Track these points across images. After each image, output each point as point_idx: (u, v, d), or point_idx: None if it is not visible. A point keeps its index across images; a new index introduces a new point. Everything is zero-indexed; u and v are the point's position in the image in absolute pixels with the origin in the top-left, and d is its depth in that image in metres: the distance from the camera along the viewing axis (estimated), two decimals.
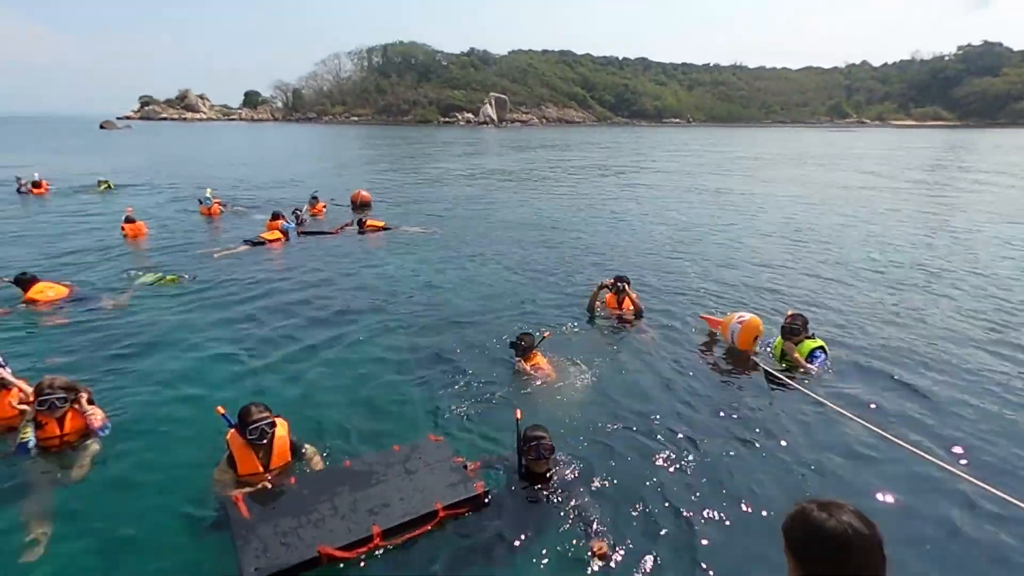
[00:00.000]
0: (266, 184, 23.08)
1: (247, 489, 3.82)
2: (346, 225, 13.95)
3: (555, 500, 3.92)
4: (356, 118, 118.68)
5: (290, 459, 4.23)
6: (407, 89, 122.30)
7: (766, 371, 5.97)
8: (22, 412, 4.57)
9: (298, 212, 14.40)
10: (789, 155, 42.85)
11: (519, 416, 4.06)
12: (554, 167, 31.99)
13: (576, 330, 7.36)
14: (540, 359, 6.01)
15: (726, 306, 8.25)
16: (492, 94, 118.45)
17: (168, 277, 9.21)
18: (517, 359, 5.97)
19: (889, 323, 7.71)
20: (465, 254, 11.43)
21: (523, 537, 3.63)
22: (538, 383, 5.77)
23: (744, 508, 4.04)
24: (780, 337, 6.20)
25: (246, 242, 11.94)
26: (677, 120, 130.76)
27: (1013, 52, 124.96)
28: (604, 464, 4.44)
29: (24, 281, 8.00)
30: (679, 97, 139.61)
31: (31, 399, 4.50)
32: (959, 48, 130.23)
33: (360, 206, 16.60)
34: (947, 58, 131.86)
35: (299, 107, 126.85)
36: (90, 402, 4.65)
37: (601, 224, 14.90)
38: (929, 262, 11.09)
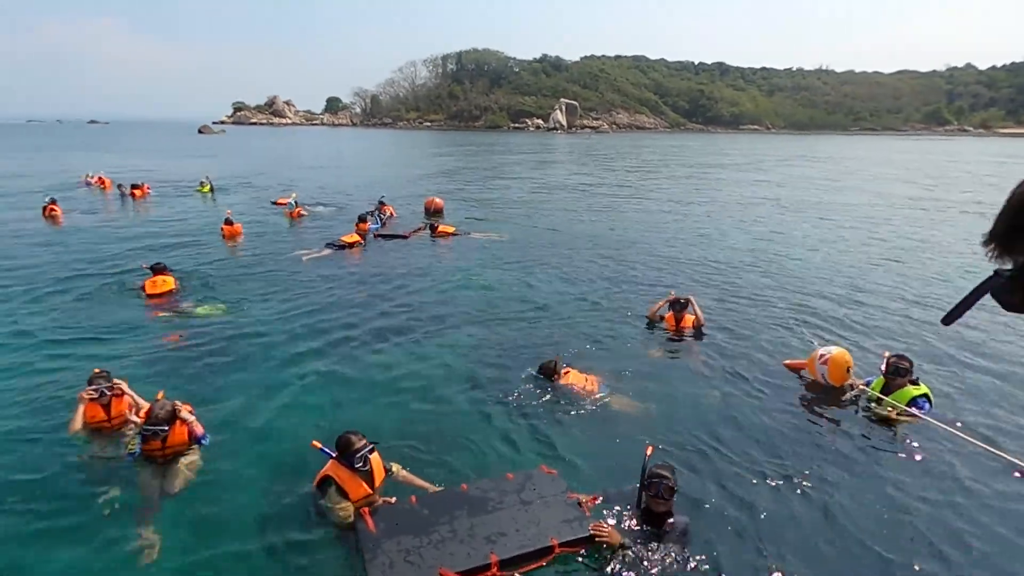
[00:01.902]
0: (345, 187, 24.27)
1: (374, 505, 4.05)
2: (419, 229, 14.50)
3: (671, 544, 3.78)
4: (429, 123, 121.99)
5: (385, 475, 4.39)
6: (479, 95, 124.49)
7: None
8: (134, 423, 5.08)
9: (382, 215, 15.60)
10: (894, 167, 40.21)
11: (649, 452, 4.07)
12: (624, 174, 31.65)
13: (634, 347, 7.39)
14: (573, 376, 6.06)
15: (803, 332, 7.97)
16: (563, 100, 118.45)
17: (217, 307, 8.76)
18: (549, 383, 6.06)
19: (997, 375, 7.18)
20: (533, 262, 11.59)
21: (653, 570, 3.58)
22: (592, 399, 5.83)
23: (870, 544, 3.94)
24: (882, 377, 5.75)
25: (328, 245, 12.66)
26: (755, 127, 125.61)
27: None
28: (716, 505, 4.34)
29: (159, 269, 9.37)
30: (758, 103, 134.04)
31: (141, 414, 4.95)
32: None
33: (433, 213, 17.17)
34: None
35: (376, 112, 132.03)
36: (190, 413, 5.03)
37: (673, 237, 14.65)
38: None
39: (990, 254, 0.97)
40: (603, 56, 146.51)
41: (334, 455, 4.20)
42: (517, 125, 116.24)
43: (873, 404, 5.73)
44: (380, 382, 6.32)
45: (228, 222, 13.72)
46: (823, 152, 55.91)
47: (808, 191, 25.02)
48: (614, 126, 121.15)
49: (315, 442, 4.32)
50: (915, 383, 5.62)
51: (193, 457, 4.80)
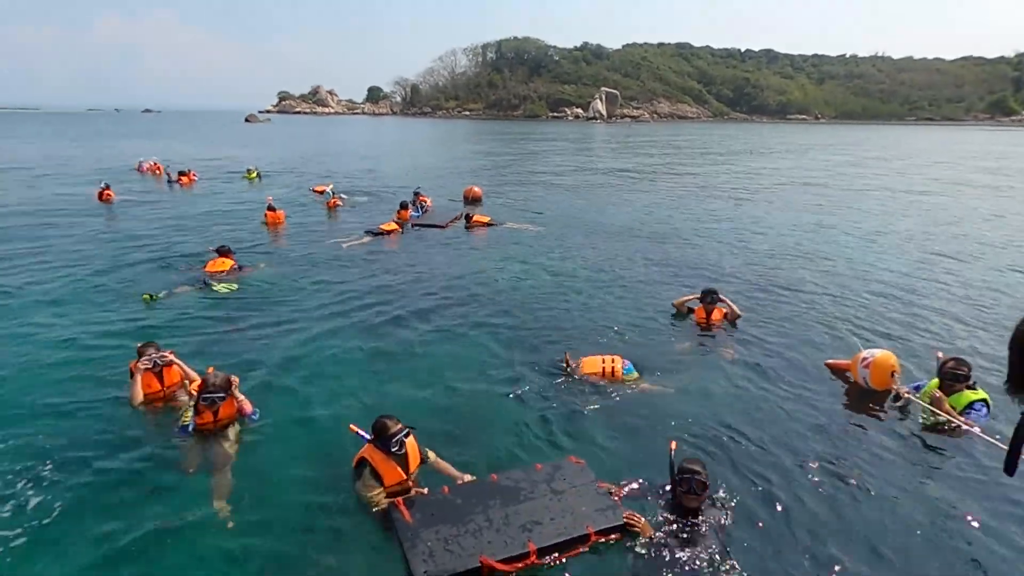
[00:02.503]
0: (384, 176, 24.60)
1: (408, 496, 4.06)
2: (455, 219, 14.58)
3: (702, 539, 3.75)
4: (468, 112, 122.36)
5: (420, 462, 4.41)
6: (518, 84, 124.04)
7: (929, 409, 5.30)
8: (188, 393, 5.24)
9: (422, 203, 15.73)
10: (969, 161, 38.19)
11: (674, 447, 4.05)
12: (663, 164, 31.04)
13: (662, 339, 7.31)
14: (589, 365, 6.01)
15: (847, 331, 7.67)
16: (603, 89, 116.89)
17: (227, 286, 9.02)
18: (567, 374, 6.05)
19: None
20: (565, 253, 11.51)
21: (671, 572, 3.55)
22: (625, 392, 5.80)
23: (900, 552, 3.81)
24: (936, 381, 5.44)
25: (367, 232, 12.87)
26: (803, 116, 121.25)
27: None
28: (742, 501, 4.25)
29: (224, 252, 9.95)
30: (806, 91, 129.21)
31: (192, 386, 5.15)
32: None
33: (472, 201, 17.28)
34: None
35: (416, 102, 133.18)
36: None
37: (711, 227, 14.29)
38: None
39: (1014, 400, 0.94)
40: (645, 44, 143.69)
41: (370, 438, 4.25)
42: (556, 114, 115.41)
43: (923, 411, 5.38)
44: (410, 368, 6.39)
45: (271, 208, 14.07)
46: (876, 143, 53.44)
47: (858, 182, 23.97)
48: (655, 115, 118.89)
49: (352, 425, 4.38)
50: (972, 388, 5.31)
51: (238, 432, 4.96)
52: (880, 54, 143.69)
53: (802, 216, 16.15)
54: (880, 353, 5.79)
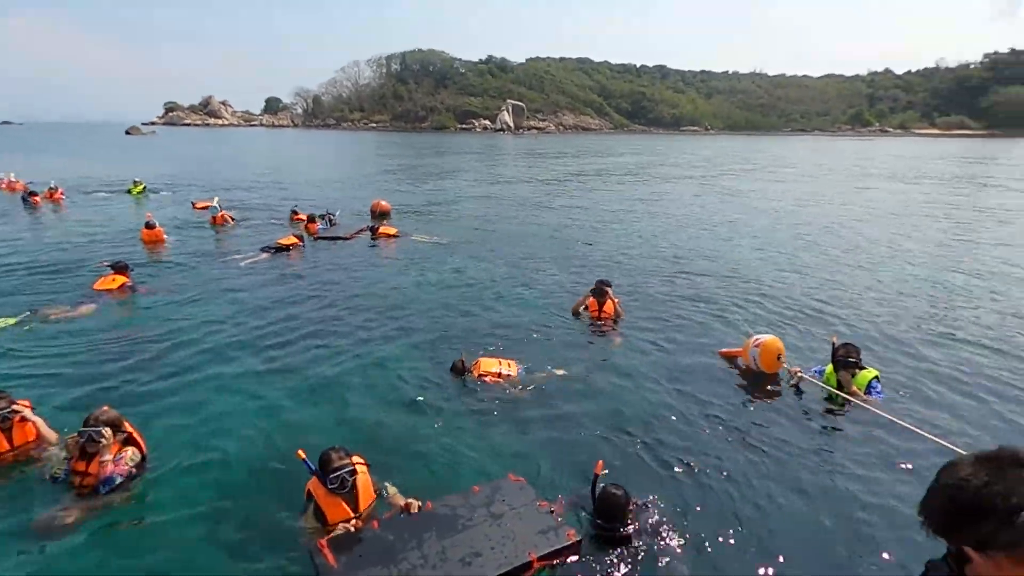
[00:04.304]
0: (283, 190, 23.36)
1: (333, 533, 3.68)
2: (361, 231, 14.09)
3: (636, 541, 3.78)
4: (374, 124, 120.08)
5: (375, 499, 4.07)
6: (424, 96, 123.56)
7: (831, 392, 5.74)
8: (48, 445, 4.60)
9: (331, 216, 15.20)
10: (830, 166, 42.22)
11: (599, 471, 3.94)
12: (568, 176, 31.94)
13: (559, 335, 7.47)
14: (484, 365, 6.04)
15: (734, 317, 8.12)
16: (509, 101, 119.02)
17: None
18: (463, 375, 6.03)
19: (913, 340, 7.51)
20: (471, 263, 11.41)
21: None
22: (513, 391, 5.83)
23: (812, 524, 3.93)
24: (831, 367, 5.89)
25: (264, 249, 12.06)
26: (695, 128, 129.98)
27: None
28: (666, 492, 4.32)
29: (120, 268, 9.29)
30: (697, 105, 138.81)
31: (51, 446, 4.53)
32: (985, 56, 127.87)
33: (379, 215, 16.78)
34: (973, 66, 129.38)
35: (318, 113, 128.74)
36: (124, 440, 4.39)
37: (612, 234, 14.78)
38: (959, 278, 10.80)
39: (927, 531, 1.00)
40: (548, 58, 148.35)
41: (315, 470, 3.88)
42: (464, 126, 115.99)
43: (831, 394, 5.77)
44: (316, 390, 5.98)
45: (149, 226, 12.81)
46: (762, 151, 58.33)
47: (748, 185, 25.93)
48: (560, 127, 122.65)
49: (300, 452, 3.96)
50: (863, 368, 5.81)
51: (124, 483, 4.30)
52: (758, 71, 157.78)
53: (698, 219, 17.12)
54: (768, 337, 6.19)
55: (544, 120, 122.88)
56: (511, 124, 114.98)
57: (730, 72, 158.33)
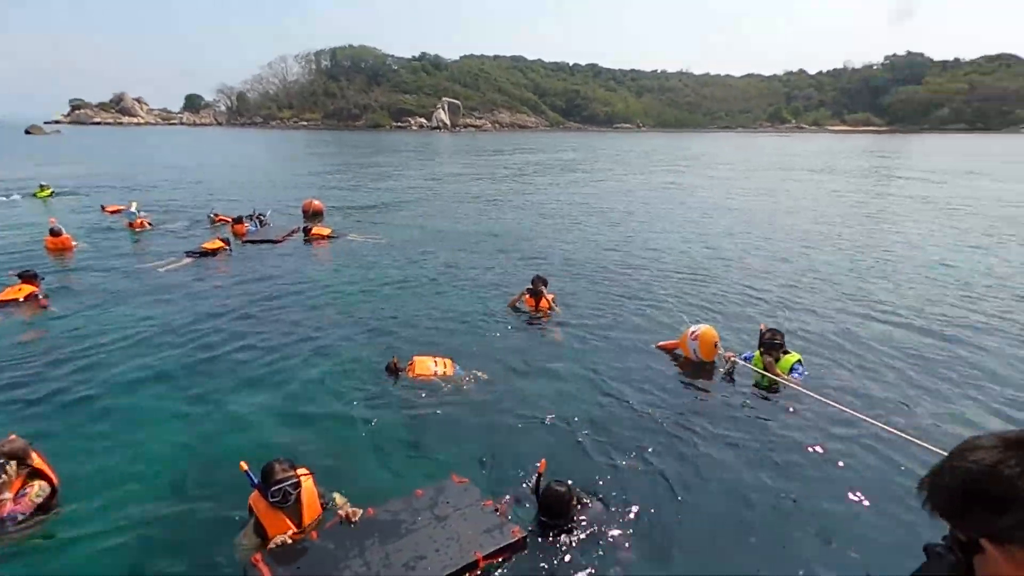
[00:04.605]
0: (207, 192, 22.19)
1: (269, 547, 3.50)
2: (292, 232, 13.62)
3: (581, 534, 3.84)
4: (305, 123, 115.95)
5: (321, 512, 3.91)
6: (357, 93, 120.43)
7: (757, 373, 6.05)
8: None
9: (261, 216, 14.61)
10: (759, 160, 44.27)
11: (542, 469, 3.96)
12: (506, 173, 32.07)
13: (497, 331, 7.53)
14: (420, 366, 5.99)
15: (670, 308, 8.44)
16: (445, 99, 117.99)
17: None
18: (398, 376, 5.98)
19: (832, 321, 8.06)
20: (408, 262, 11.30)
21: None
22: (445, 388, 5.85)
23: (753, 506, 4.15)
24: (759, 351, 6.21)
25: (188, 253, 11.45)
26: (627, 125, 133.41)
27: (934, 62, 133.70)
28: (610, 483, 4.42)
29: (28, 276, 8.63)
30: (628, 103, 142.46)
31: None
32: (886, 58, 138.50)
33: (312, 215, 16.24)
34: (875, 67, 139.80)
35: (244, 111, 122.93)
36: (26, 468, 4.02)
37: (550, 229, 15.01)
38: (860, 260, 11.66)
39: (927, 507, 0.94)
40: (482, 56, 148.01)
41: (257, 483, 3.70)
42: (400, 124, 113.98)
43: (758, 376, 6.11)
44: (247, 399, 5.75)
45: (54, 233, 11.85)
46: (691, 147, 60.66)
47: (679, 179, 26.93)
48: (497, 125, 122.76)
49: (243, 464, 3.77)
50: (787, 352, 6.18)
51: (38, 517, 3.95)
52: (684, 70, 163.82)
53: (633, 213, 17.63)
54: (704, 328, 6.47)
55: (481, 118, 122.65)
56: (447, 122, 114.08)
57: (658, 71, 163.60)
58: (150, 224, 14.41)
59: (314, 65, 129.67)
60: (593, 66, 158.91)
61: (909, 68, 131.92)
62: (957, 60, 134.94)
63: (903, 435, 4.59)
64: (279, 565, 3.36)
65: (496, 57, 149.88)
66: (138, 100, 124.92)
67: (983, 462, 0.88)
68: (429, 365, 6.02)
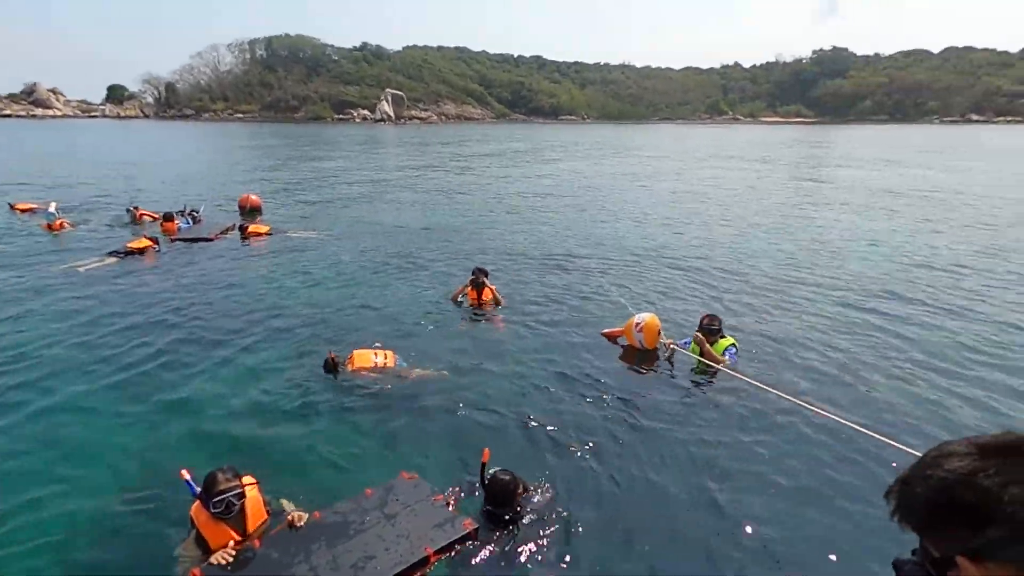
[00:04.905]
0: (136, 187, 20.90)
1: (209, 560, 3.31)
2: (227, 230, 13.01)
3: (527, 522, 3.85)
4: (241, 115, 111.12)
5: (267, 520, 3.74)
6: (296, 84, 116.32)
7: (697, 360, 6.24)
8: None
9: (194, 213, 13.97)
10: (701, 151, 45.48)
11: (486, 459, 3.92)
12: (452, 165, 31.79)
13: (439, 325, 7.49)
14: (359, 359, 5.89)
15: (614, 296, 8.60)
16: (388, 90, 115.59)
17: None
18: (337, 371, 5.82)
19: (768, 309, 8.40)
20: (350, 257, 11.02)
21: (511, 567, 3.53)
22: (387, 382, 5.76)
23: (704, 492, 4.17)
24: (696, 336, 6.40)
25: (112, 253, 10.75)
26: (572, 117, 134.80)
27: (857, 56, 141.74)
28: (555, 471, 4.43)
29: None
30: (573, 95, 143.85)
31: None
32: (814, 52, 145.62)
33: (250, 211, 15.54)
34: (804, 61, 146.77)
35: (174, 103, 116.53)
36: None
37: (495, 220, 14.99)
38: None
39: (894, 518, 0.87)
40: (426, 46, 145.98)
41: (198, 492, 3.50)
42: (342, 116, 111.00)
43: (696, 361, 6.33)
44: (178, 411, 5.42)
45: None
46: (634, 139, 61.90)
47: (623, 169, 27.42)
48: (443, 117, 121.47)
49: (184, 471, 3.56)
50: (723, 336, 6.42)
51: None
52: (626, 63, 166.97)
53: (577, 203, 17.82)
54: (648, 317, 6.62)
55: (426, 110, 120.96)
56: (392, 114, 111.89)
57: (601, 63, 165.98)
58: (71, 224, 13.44)
59: (248, 55, 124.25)
60: (538, 58, 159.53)
61: (834, 62, 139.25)
62: (877, 55, 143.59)
63: (833, 416, 4.84)
64: None
65: (440, 48, 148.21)
66: (53, 91, 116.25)
67: (959, 471, 0.80)
68: (370, 357, 5.90)
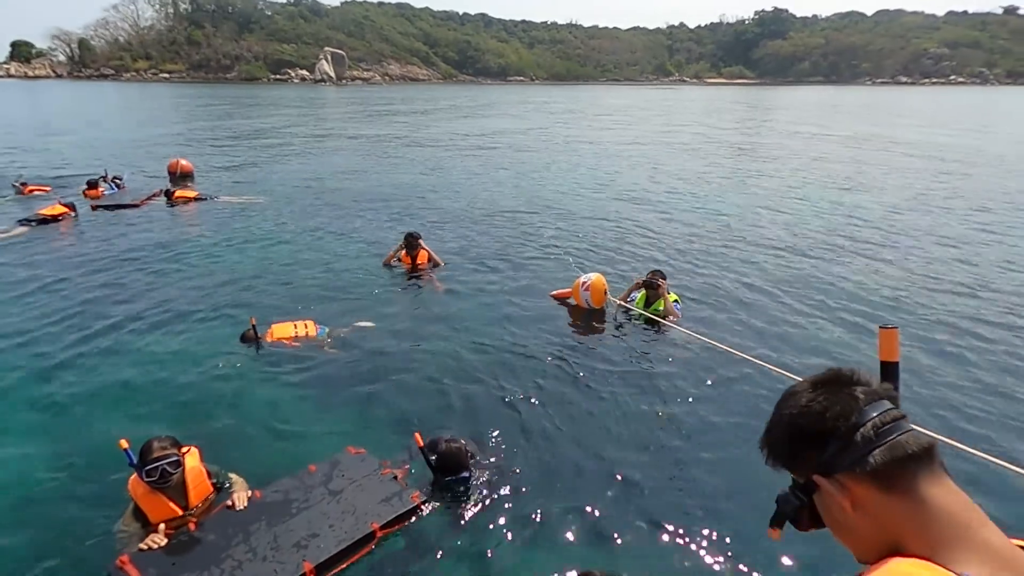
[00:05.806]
0: (54, 154, 19.26)
1: (140, 545, 3.12)
2: (152, 196, 12.23)
3: (481, 489, 3.80)
4: (167, 75, 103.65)
5: (212, 492, 3.55)
6: (226, 42, 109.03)
7: (644, 316, 6.35)
8: None
9: (118, 180, 13.08)
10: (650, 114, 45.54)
11: (420, 444, 3.77)
12: (395, 128, 30.80)
13: (371, 290, 7.31)
14: (279, 331, 5.71)
15: (558, 256, 8.61)
16: (328, 49, 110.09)
17: None
18: (258, 344, 5.63)
19: (706, 263, 8.61)
20: (283, 223, 10.51)
21: (462, 534, 3.48)
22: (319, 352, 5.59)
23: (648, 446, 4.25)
24: (644, 291, 6.53)
25: (22, 222, 9.91)
26: (521, 78, 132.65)
27: (796, 18, 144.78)
28: (503, 435, 4.37)
29: None
30: (521, 55, 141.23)
31: None
32: (755, 13, 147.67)
33: (180, 177, 14.57)
34: (746, 22, 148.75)
35: (89, 62, 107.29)
36: None
37: (437, 183, 14.66)
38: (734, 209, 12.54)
39: (769, 463, 1.00)
40: (365, 2, 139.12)
41: (135, 463, 3.28)
42: (279, 77, 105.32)
43: (638, 315, 6.47)
44: (94, 391, 5.04)
45: None
46: (583, 99, 61.52)
47: (569, 131, 27.27)
48: (387, 77, 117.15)
49: (123, 441, 3.30)
50: (668, 292, 6.53)
51: None
52: (574, 22, 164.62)
53: (521, 164, 17.64)
54: (594, 276, 6.64)
55: (369, 70, 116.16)
56: (332, 74, 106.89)
57: (549, 22, 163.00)
58: None
59: (171, 9, 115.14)
60: (483, 16, 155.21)
61: (775, 23, 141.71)
62: (815, 16, 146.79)
63: (769, 366, 5.01)
64: (150, 565, 3.04)
65: (381, 4, 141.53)
66: None
67: (799, 404, 0.95)
68: (289, 329, 5.70)
